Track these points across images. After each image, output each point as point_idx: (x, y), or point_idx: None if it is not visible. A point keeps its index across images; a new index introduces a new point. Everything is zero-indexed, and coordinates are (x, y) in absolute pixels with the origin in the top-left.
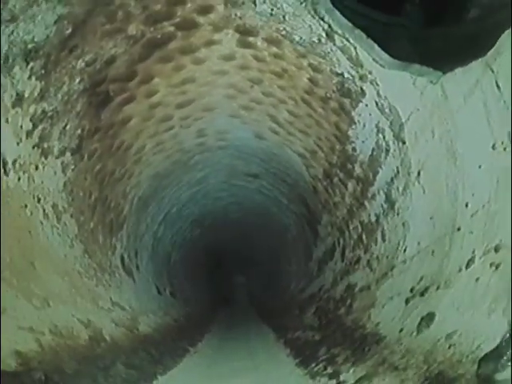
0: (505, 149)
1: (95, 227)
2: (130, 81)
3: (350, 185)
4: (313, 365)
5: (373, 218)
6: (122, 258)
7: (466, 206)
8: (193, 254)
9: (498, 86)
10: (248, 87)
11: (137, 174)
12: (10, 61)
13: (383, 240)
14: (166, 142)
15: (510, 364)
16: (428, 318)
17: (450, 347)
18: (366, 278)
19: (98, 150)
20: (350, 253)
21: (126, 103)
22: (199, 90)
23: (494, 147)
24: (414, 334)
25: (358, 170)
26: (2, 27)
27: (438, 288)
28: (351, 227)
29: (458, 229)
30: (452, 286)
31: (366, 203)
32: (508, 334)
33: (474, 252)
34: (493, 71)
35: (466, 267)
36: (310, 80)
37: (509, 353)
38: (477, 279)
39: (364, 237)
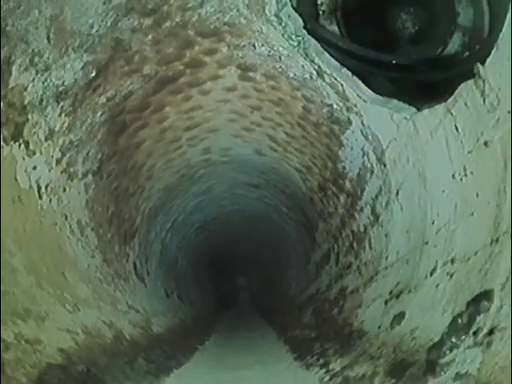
0: (461, 179)
1: (112, 238)
2: (144, 110)
3: (342, 198)
4: (308, 358)
5: (361, 228)
6: (135, 265)
7: (433, 223)
8: (198, 258)
9: (456, 128)
10: (248, 112)
11: (148, 188)
12: (44, 103)
13: (370, 248)
14: (175, 159)
15: (449, 352)
16: (399, 317)
17: (412, 340)
18: (356, 281)
19: (115, 170)
20: (343, 258)
21: (140, 129)
22: (205, 116)
23: (453, 177)
24: (388, 329)
25: (348, 186)
26: (38, 75)
27: (409, 292)
28: (344, 235)
29: (426, 242)
30: (419, 290)
31: (356, 214)
32: (447, 329)
33: (436, 263)
34: (452, 114)
35: (430, 275)
36: (304, 108)
37: (449, 343)
38: (437, 285)
39: (355, 244)
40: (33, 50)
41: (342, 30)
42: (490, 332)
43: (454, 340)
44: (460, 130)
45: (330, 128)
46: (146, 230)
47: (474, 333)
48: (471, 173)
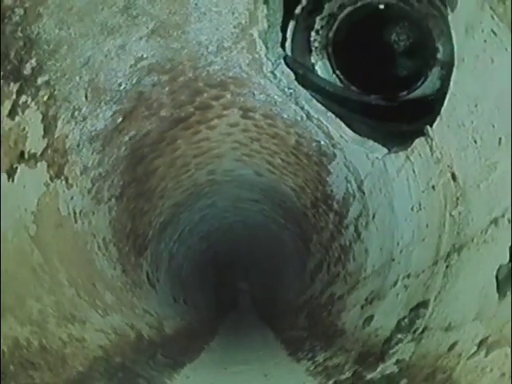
0: (417, 212)
1: (129, 251)
2: (159, 143)
3: (331, 215)
4: (299, 354)
5: (347, 243)
6: (147, 274)
7: (398, 244)
8: (201, 266)
9: (413, 171)
10: (249, 142)
11: (160, 205)
12: (80, 146)
13: (353, 260)
14: (184, 180)
15: (395, 345)
16: (370, 319)
17: (376, 336)
18: (342, 288)
19: (133, 193)
20: (333, 268)
21: (156, 158)
22: (211, 145)
23: (412, 209)
24: (361, 329)
25: (335, 206)
26: (77, 125)
27: (378, 299)
28: (333, 247)
29: (393, 259)
30: (385, 298)
31: (343, 231)
32: (395, 328)
33: (398, 276)
34: (411, 161)
35: (394, 286)
36: (297, 141)
37: (395, 338)
38: (397, 295)
39: (342, 256)
40: (73, 107)
41: (333, 64)
42: (423, 331)
43: (399, 336)
44: (417, 173)
45: (319, 158)
46: (157, 241)
47: (414, 332)
48: (424, 208)
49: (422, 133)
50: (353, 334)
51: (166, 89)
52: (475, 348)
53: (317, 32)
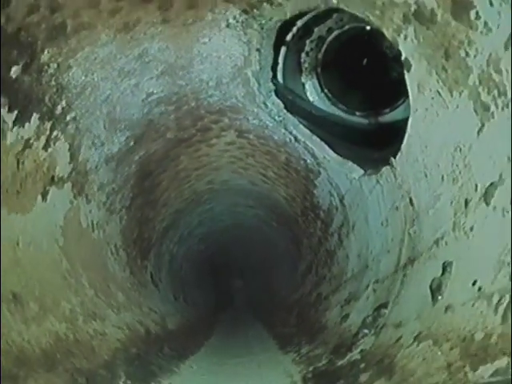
0: (385, 227)
1: (136, 254)
2: (164, 160)
3: (319, 222)
4: (288, 347)
5: (332, 248)
6: (151, 275)
7: (371, 253)
8: (200, 266)
9: (382, 192)
10: (244, 157)
11: (163, 212)
12: (98, 166)
13: (337, 264)
14: (185, 190)
15: (361, 338)
16: (346, 317)
17: (349, 331)
18: (328, 289)
19: (141, 203)
20: (321, 270)
21: (161, 173)
22: (210, 160)
23: (381, 224)
24: (339, 325)
25: (322, 215)
26: (97, 150)
27: (355, 300)
28: (321, 251)
29: (367, 266)
30: (359, 299)
31: (328, 237)
32: (361, 324)
33: (369, 281)
34: (380, 183)
35: (366, 289)
36: (286, 159)
37: (361, 333)
38: (367, 297)
39: (328, 260)
40: (94, 135)
41: (321, 83)
42: (382, 327)
43: (365, 331)
44: (384, 195)
45: (307, 174)
46: (159, 244)
47: (375, 327)
48: (390, 224)
49: (388, 162)
50: (332, 330)
51: (172, 116)
52: (412, 340)
53: (307, 54)
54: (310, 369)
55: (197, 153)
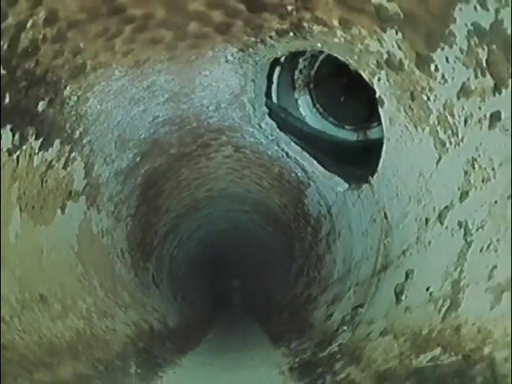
0: (366, 237)
1: (139, 257)
2: (167, 172)
3: (309, 229)
4: (279, 343)
5: (321, 252)
6: (153, 276)
7: (354, 259)
8: (197, 267)
9: (363, 206)
10: (240, 168)
11: (164, 218)
12: (109, 181)
13: (326, 268)
14: (185, 197)
15: (341, 333)
16: (330, 315)
17: (332, 327)
18: (317, 290)
19: (145, 211)
20: (311, 272)
21: (164, 183)
22: (209, 171)
23: (362, 234)
24: (324, 323)
25: (312, 222)
26: (108, 166)
27: (339, 301)
28: (312, 255)
29: (349, 270)
30: (343, 300)
31: (318, 242)
32: (340, 322)
33: (351, 284)
34: (360, 198)
35: (348, 291)
36: (279, 171)
37: (341, 329)
38: (349, 298)
39: (318, 263)
40: (106, 154)
41: (314, 99)
42: (358, 324)
43: (344, 328)
44: (365, 208)
45: (298, 185)
46: (160, 247)
47: (352, 324)
48: (369, 234)
49: (367, 180)
50: (318, 327)
51: (175, 135)
52: (378, 335)
53: (300, 71)
54: (296, 360)
55: (197, 165)
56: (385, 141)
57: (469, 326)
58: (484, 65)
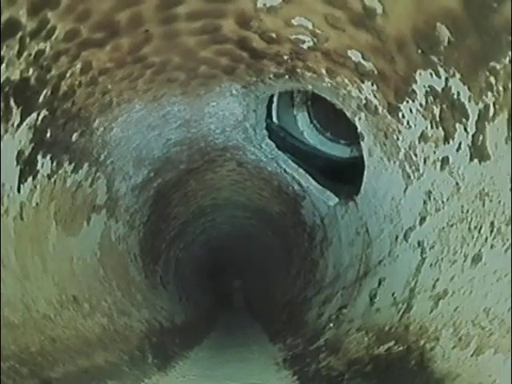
0: (352, 246)
1: (149, 260)
2: (176, 184)
3: (305, 236)
4: (276, 339)
5: (316, 258)
6: (161, 278)
7: (342, 265)
8: (202, 269)
9: (349, 219)
10: (243, 180)
11: (172, 224)
12: (126, 194)
13: (319, 272)
14: (192, 205)
15: (327, 328)
16: (321, 314)
17: (321, 325)
18: (311, 292)
19: (155, 218)
20: (307, 275)
21: (173, 193)
22: (214, 182)
23: (349, 243)
24: (315, 321)
25: (308, 230)
26: (126, 182)
27: (329, 302)
28: (308, 259)
29: (339, 275)
30: (332, 301)
31: (313, 248)
32: (327, 319)
33: (339, 288)
34: (348, 212)
35: (336, 294)
36: (278, 184)
37: (327, 326)
38: (337, 300)
39: (313, 267)
40: (125, 172)
41: (311, 115)
42: (342, 322)
43: (330, 325)
44: (352, 221)
45: (295, 196)
46: (168, 251)
47: (337, 322)
48: (354, 245)
49: (352, 197)
50: (311, 325)
51: (185, 153)
52: (355, 331)
53: (298, 90)
54: (290, 353)
55: (203, 178)
56: (365, 168)
57: (414, 324)
58: (437, 119)
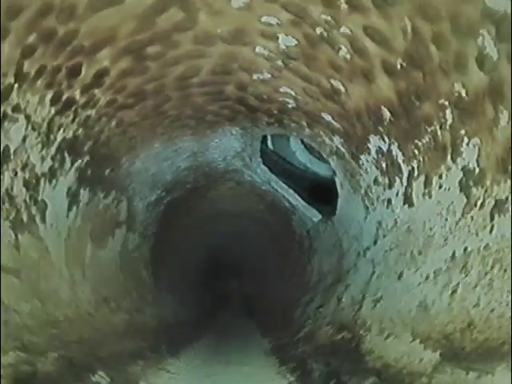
0: (331, 255)
1: (159, 267)
2: (184, 200)
3: (295, 244)
4: (267, 334)
5: (304, 263)
6: (167, 280)
7: (323, 271)
8: (203, 273)
9: (329, 235)
10: (241, 196)
11: (178, 233)
12: (142, 211)
13: (306, 276)
14: (196, 217)
15: (309, 324)
16: (304, 313)
17: (303, 320)
18: (299, 294)
19: (163, 229)
20: (297, 279)
21: (180, 207)
22: (216, 198)
23: (328, 253)
24: (300, 318)
25: (297, 238)
26: (146, 200)
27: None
28: (297, 264)
29: (320, 280)
30: (313, 302)
31: (302, 255)
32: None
33: (320, 290)
34: (327, 229)
35: (317, 295)
36: (271, 201)
37: (308, 322)
38: (317, 301)
39: (302, 272)
40: (142, 193)
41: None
42: (318, 319)
43: (309, 321)
44: (330, 235)
45: (286, 211)
46: (173, 256)
47: (315, 319)
48: (332, 255)
49: (330, 217)
50: (296, 322)
51: (192, 176)
52: (325, 325)
53: None
54: (276, 344)
55: (206, 194)
56: (339, 195)
57: (362, 319)
58: (384, 170)
